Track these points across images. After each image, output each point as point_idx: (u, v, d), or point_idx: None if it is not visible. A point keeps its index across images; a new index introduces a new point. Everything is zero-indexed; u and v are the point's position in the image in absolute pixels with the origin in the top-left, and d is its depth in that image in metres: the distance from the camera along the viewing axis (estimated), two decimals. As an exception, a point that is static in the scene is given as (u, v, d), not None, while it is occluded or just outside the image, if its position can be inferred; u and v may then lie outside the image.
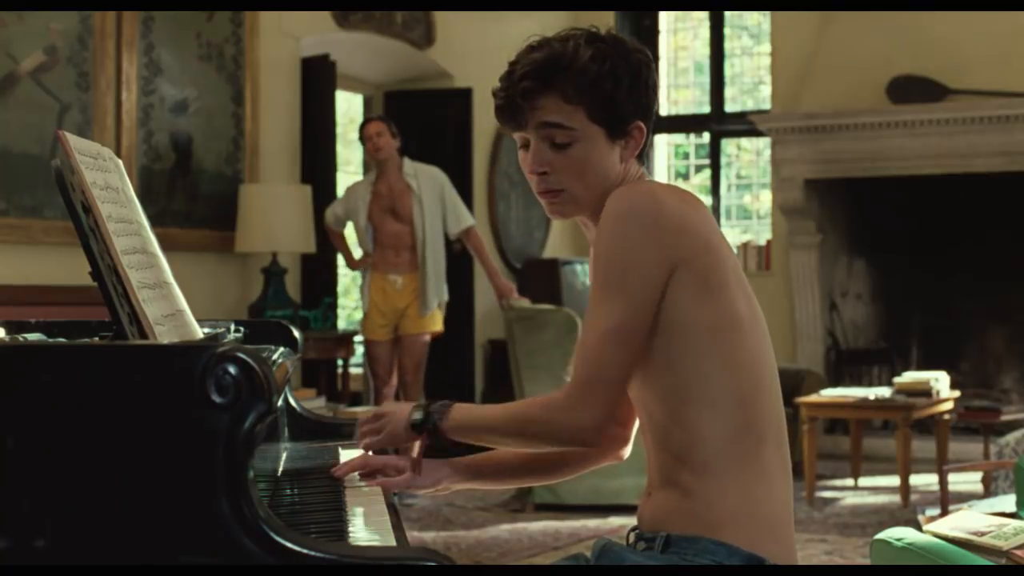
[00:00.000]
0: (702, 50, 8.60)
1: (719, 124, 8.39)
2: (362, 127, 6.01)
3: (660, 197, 1.74)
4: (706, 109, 8.48)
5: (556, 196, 1.83)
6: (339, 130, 6.78)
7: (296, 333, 2.28)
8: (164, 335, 1.64)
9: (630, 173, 1.85)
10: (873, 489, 6.15)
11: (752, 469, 1.76)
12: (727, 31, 8.46)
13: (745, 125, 7.99)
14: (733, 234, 8.43)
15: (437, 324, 6.01)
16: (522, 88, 1.79)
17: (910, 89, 7.21)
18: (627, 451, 2.01)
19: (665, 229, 1.71)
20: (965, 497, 4.71)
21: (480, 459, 2.01)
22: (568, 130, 1.79)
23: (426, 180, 5.96)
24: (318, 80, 6.28)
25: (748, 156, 8.66)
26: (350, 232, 6.15)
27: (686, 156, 8.84)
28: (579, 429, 1.74)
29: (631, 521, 5.18)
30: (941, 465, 5.20)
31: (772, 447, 1.79)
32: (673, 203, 1.74)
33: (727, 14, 8.41)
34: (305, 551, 1.35)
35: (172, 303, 1.79)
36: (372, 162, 6.13)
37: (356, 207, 5.95)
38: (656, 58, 8.54)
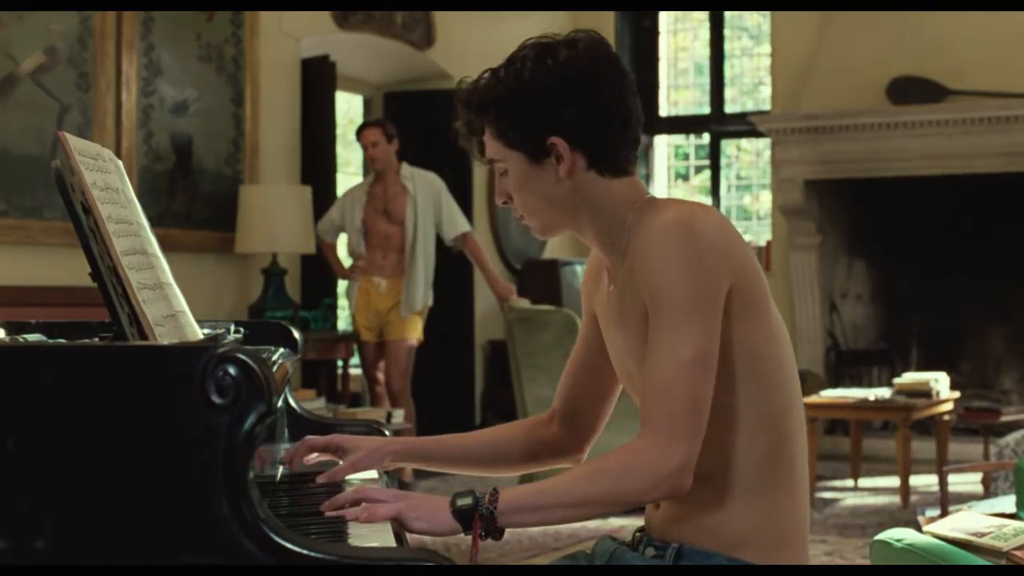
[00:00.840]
0: (702, 51, 8.61)
1: (719, 125, 8.39)
2: (358, 133, 6.02)
3: (707, 219, 1.69)
4: (706, 110, 8.49)
5: (521, 220, 1.85)
6: (339, 131, 6.78)
7: (296, 334, 2.28)
8: (164, 336, 1.64)
9: (608, 189, 1.77)
10: (873, 490, 6.15)
11: (778, 489, 1.74)
12: (727, 32, 8.46)
13: (745, 126, 8.00)
14: (733, 235, 8.42)
15: (418, 331, 6.00)
16: (460, 131, 1.84)
17: (910, 90, 7.21)
18: (585, 456, 2.00)
19: (721, 252, 1.67)
20: (965, 498, 4.71)
21: (428, 440, 1.97)
22: (498, 161, 1.80)
23: (422, 184, 5.98)
24: (318, 81, 6.28)
25: (748, 157, 8.66)
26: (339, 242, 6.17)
27: (686, 157, 8.84)
28: (678, 468, 1.61)
29: (631, 522, 5.18)
30: (941, 466, 5.21)
31: (798, 465, 1.77)
32: (719, 227, 1.69)
33: (727, 15, 8.41)
34: (305, 552, 1.35)
35: (172, 304, 1.79)
36: (370, 165, 6.14)
37: (352, 208, 5.97)
38: (656, 59, 8.55)
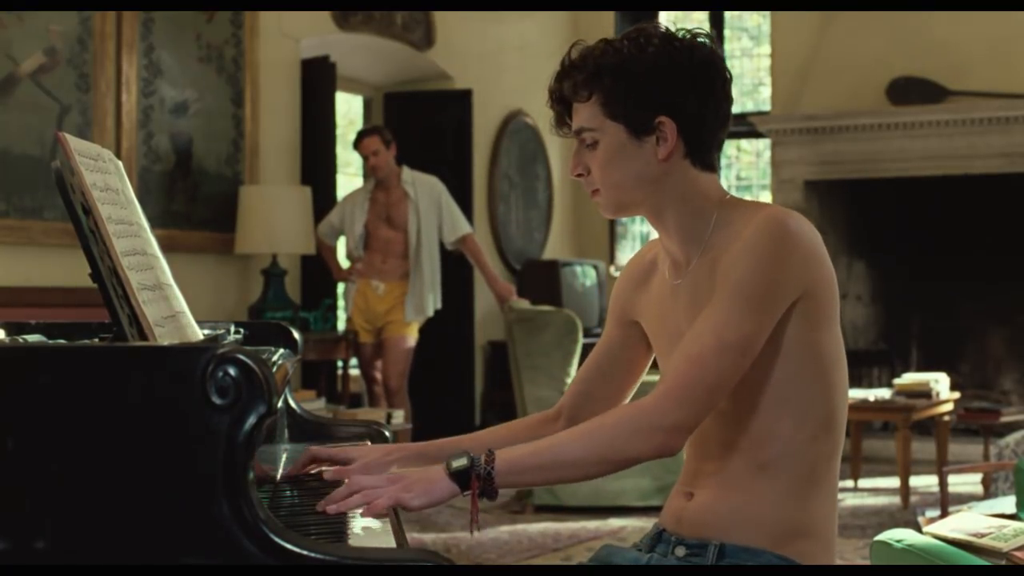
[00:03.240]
0: (702, 51, 8.61)
1: (719, 125, 8.38)
2: (356, 143, 6.03)
3: (802, 225, 1.71)
4: (706, 110, 8.48)
5: (595, 196, 1.83)
6: (339, 132, 6.79)
7: (296, 334, 2.28)
8: (164, 336, 1.64)
9: (696, 181, 1.78)
10: (873, 491, 6.15)
11: (824, 488, 1.77)
12: (727, 32, 8.46)
13: (745, 127, 8.00)
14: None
15: (415, 333, 6.02)
16: (556, 94, 1.81)
17: (910, 90, 7.21)
18: None
19: (804, 257, 1.70)
20: (965, 498, 4.72)
21: (432, 444, 1.96)
22: (591, 130, 1.77)
23: (423, 188, 6.00)
24: (318, 81, 6.28)
25: (748, 158, 8.67)
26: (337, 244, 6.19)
27: (686, 157, 8.84)
28: (671, 426, 1.62)
29: (631, 523, 5.15)
30: (941, 466, 5.21)
31: (838, 470, 1.82)
32: (810, 233, 1.72)
33: (727, 16, 8.41)
34: (305, 552, 1.35)
35: (172, 304, 1.79)
36: (371, 173, 6.15)
37: (353, 213, 5.99)
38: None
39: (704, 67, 1.76)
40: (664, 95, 1.74)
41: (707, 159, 1.79)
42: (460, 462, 1.63)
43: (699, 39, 1.78)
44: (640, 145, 1.76)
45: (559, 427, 1.97)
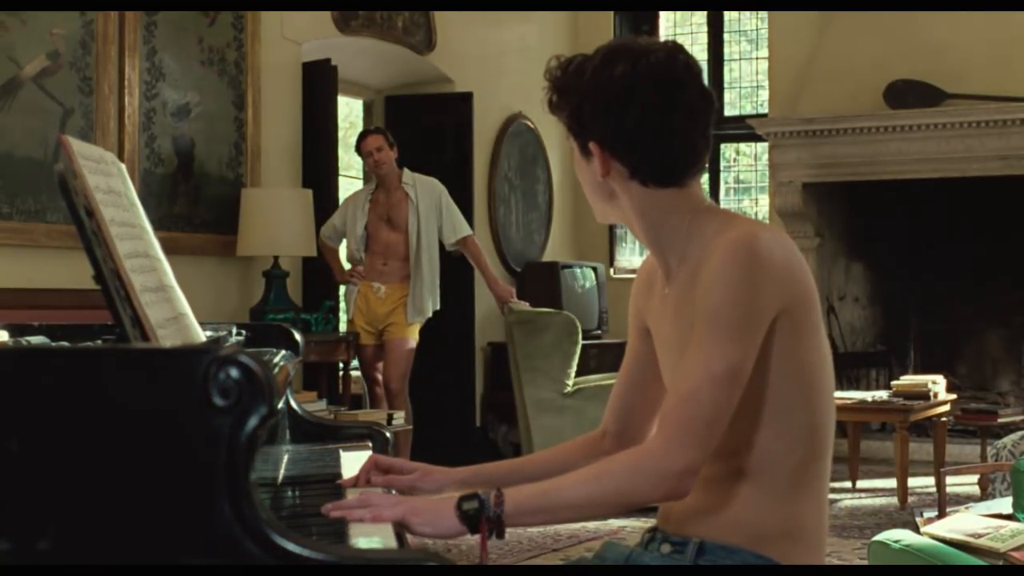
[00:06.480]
0: (701, 55, 8.62)
1: (717, 128, 8.32)
2: (359, 142, 6.04)
3: (771, 245, 1.70)
4: (705, 113, 8.48)
5: None
6: (340, 134, 6.80)
7: (297, 336, 2.29)
8: (166, 338, 1.66)
9: (654, 198, 1.78)
10: (871, 491, 6.16)
11: (807, 494, 1.77)
12: (726, 36, 8.48)
13: (744, 129, 8.01)
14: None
15: (416, 334, 6.03)
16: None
17: (908, 93, 7.22)
18: None
19: (776, 279, 1.69)
20: (962, 499, 4.73)
21: (489, 467, 1.98)
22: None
23: (424, 190, 6.01)
24: (319, 85, 6.29)
25: (746, 160, 8.68)
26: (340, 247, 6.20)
27: (685, 160, 8.84)
28: (681, 472, 1.63)
29: (630, 523, 5.17)
30: (939, 467, 5.22)
31: (826, 474, 1.82)
32: (782, 251, 1.71)
33: (726, 19, 8.43)
34: (306, 553, 1.36)
35: (174, 307, 1.81)
36: (372, 173, 6.16)
37: (355, 215, 6.00)
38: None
39: (624, 95, 1.73)
40: (588, 121, 1.76)
41: (659, 178, 1.78)
42: (471, 504, 1.64)
43: (638, 62, 1.74)
44: (588, 161, 1.80)
45: (607, 445, 1.98)
